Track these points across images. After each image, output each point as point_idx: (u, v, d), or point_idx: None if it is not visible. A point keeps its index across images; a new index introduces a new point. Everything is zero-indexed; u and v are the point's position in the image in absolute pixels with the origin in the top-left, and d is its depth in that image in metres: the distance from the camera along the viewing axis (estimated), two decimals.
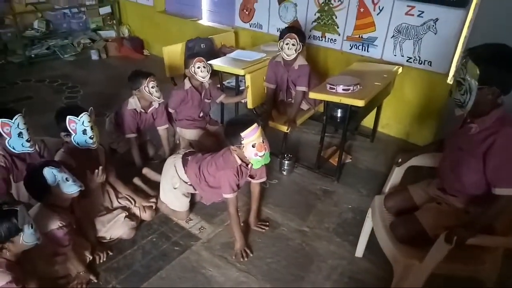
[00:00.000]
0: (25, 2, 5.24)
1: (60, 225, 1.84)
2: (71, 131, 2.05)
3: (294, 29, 2.97)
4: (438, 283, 1.73)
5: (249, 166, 2.18)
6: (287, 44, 2.85)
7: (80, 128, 2.05)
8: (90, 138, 2.09)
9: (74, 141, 2.08)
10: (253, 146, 1.99)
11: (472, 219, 1.52)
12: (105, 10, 5.72)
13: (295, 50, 2.87)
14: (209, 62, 3.02)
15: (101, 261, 2.13)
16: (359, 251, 2.24)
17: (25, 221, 1.56)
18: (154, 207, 2.48)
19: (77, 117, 2.04)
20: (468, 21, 2.89)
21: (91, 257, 2.10)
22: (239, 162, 2.13)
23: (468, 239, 1.43)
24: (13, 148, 2.00)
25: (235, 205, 2.19)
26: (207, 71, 2.87)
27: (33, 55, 5.20)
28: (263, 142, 2.02)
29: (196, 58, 2.82)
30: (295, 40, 2.85)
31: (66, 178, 1.84)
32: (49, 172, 1.79)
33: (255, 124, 2.00)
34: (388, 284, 1.81)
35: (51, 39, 5.40)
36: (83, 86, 4.49)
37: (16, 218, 1.53)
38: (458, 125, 1.67)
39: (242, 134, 1.98)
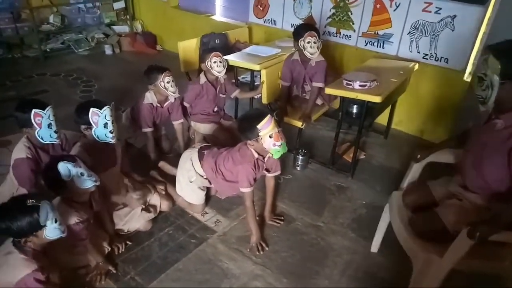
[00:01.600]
0: None
1: (77, 221, 1.85)
2: (93, 123, 2.06)
3: (312, 26, 2.96)
4: (456, 281, 1.72)
5: (266, 159, 2.20)
6: (308, 42, 2.84)
7: (102, 121, 2.07)
8: (110, 132, 2.11)
9: (94, 134, 2.10)
10: (270, 137, 2.02)
11: (495, 215, 1.51)
12: (119, 5, 5.75)
13: (317, 48, 2.86)
14: (224, 57, 3.03)
15: (120, 252, 2.17)
16: (375, 246, 2.24)
17: (48, 217, 1.57)
18: (164, 193, 2.51)
19: (100, 109, 2.06)
20: (486, 18, 2.86)
21: (109, 248, 2.13)
22: (256, 156, 2.15)
23: (492, 235, 1.42)
24: (42, 138, 2.06)
25: (251, 199, 2.20)
26: (223, 66, 2.88)
27: (48, 49, 5.27)
28: (278, 132, 2.05)
29: (213, 53, 2.84)
30: (315, 38, 2.84)
31: (81, 173, 1.84)
32: (63, 167, 1.79)
33: (269, 116, 2.03)
34: (404, 279, 1.81)
35: (66, 34, 5.46)
36: (97, 81, 4.54)
37: (39, 214, 1.54)
38: (481, 121, 1.66)
39: (259, 127, 2.01)
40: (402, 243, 1.79)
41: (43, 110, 2.04)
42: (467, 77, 3.10)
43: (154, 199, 2.45)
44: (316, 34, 2.84)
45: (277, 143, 2.04)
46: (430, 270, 1.61)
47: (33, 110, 2.01)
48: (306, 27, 2.93)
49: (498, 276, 1.71)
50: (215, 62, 2.83)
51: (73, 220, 1.83)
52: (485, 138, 1.62)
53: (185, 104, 3.04)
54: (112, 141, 2.14)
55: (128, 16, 5.84)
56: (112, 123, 2.11)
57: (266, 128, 2.01)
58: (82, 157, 2.07)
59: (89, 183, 1.86)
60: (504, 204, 1.54)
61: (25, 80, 4.46)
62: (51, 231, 1.60)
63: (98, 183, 1.90)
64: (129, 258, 2.15)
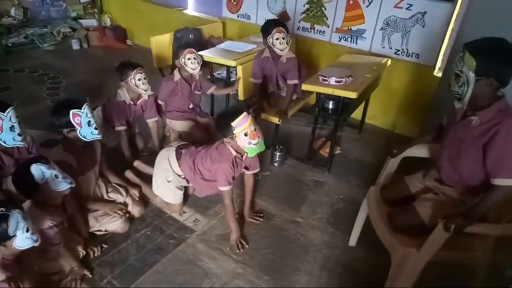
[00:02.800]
0: None
1: (51, 224, 1.77)
2: (76, 125, 1.95)
3: (279, 22, 2.93)
4: (432, 272, 1.78)
5: (244, 157, 2.18)
6: (277, 39, 2.81)
7: (85, 120, 1.96)
8: (95, 129, 2.00)
9: (81, 135, 1.98)
10: (245, 135, 2.00)
11: (470, 208, 1.56)
12: None
13: (287, 43, 2.85)
14: (199, 53, 2.97)
15: (95, 255, 2.10)
16: (353, 240, 2.28)
17: (18, 227, 1.47)
18: (137, 198, 2.43)
19: (81, 109, 1.95)
20: (455, 14, 2.95)
21: (84, 252, 2.06)
22: (234, 153, 2.12)
23: (466, 227, 1.47)
24: (4, 142, 1.92)
25: (230, 197, 2.18)
26: (198, 63, 2.83)
27: (10, 44, 5.00)
28: (255, 130, 2.03)
29: (187, 50, 2.77)
30: (284, 34, 2.82)
31: (56, 175, 1.76)
32: (37, 169, 1.71)
33: (245, 113, 2.01)
34: (382, 271, 1.84)
35: (29, 28, 5.19)
36: (65, 77, 4.35)
37: (8, 224, 1.44)
38: (457, 118, 1.70)
39: (233, 124, 1.98)
40: (381, 237, 1.82)
41: (3, 112, 1.88)
42: (437, 72, 3.20)
43: (129, 205, 2.38)
44: (284, 30, 2.82)
45: (252, 141, 2.01)
46: (408, 263, 1.66)
47: None
48: (274, 23, 2.89)
49: (470, 266, 1.77)
50: (189, 58, 2.78)
51: (46, 224, 1.75)
52: (461, 135, 1.66)
53: (160, 102, 2.97)
54: (99, 137, 2.05)
55: (96, 10, 5.63)
56: (94, 119, 2.01)
57: (241, 125, 1.99)
58: (68, 160, 1.99)
59: (64, 185, 1.78)
60: (478, 198, 1.60)
61: None
62: (22, 240, 1.50)
63: (73, 185, 1.82)
64: (106, 261, 2.08)
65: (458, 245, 1.65)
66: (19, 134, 1.94)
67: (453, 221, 1.47)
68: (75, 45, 5.26)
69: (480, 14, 2.55)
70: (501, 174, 1.51)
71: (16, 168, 1.87)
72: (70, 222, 2.04)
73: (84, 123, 1.97)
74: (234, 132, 2.00)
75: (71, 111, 1.92)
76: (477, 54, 1.48)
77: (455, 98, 1.61)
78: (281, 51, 2.84)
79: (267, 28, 2.84)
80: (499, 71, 1.49)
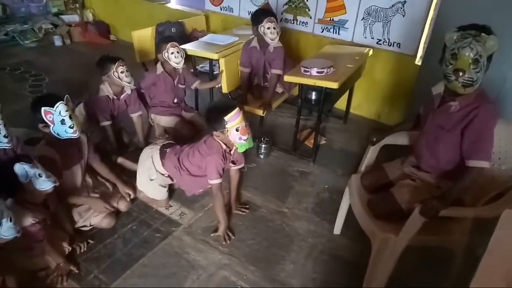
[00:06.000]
0: None
1: (33, 221, 1.77)
2: (48, 122, 1.94)
3: (270, 12, 2.96)
4: (412, 256, 1.83)
5: (232, 151, 2.20)
6: (268, 28, 2.83)
7: (57, 118, 1.94)
8: (70, 127, 1.99)
9: (54, 132, 1.98)
10: (237, 130, 2.02)
11: (444, 192, 1.61)
12: None
13: (277, 33, 2.87)
14: (182, 46, 2.96)
15: (81, 251, 2.10)
16: (337, 228, 2.32)
17: (3, 215, 1.50)
18: (129, 199, 2.42)
19: (53, 107, 1.93)
20: (434, 3, 2.99)
21: (70, 248, 2.06)
22: (224, 147, 2.15)
23: (441, 210, 1.51)
24: None
25: (221, 190, 2.20)
26: (181, 56, 2.82)
27: None
28: (245, 126, 2.05)
29: (170, 43, 2.76)
30: (275, 23, 2.84)
31: (39, 174, 1.75)
32: (20, 168, 1.70)
33: (237, 108, 2.03)
34: (366, 258, 1.89)
35: (9, 24, 5.10)
36: (48, 74, 4.30)
37: None
38: (435, 105, 1.74)
39: (226, 118, 2.00)
40: (361, 224, 1.87)
41: None
42: (418, 61, 3.24)
43: (112, 200, 2.37)
44: (274, 20, 2.84)
45: (243, 137, 2.04)
46: (387, 249, 1.70)
47: None
48: (265, 12, 2.92)
49: (448, 249, 1.82)
50: (172, 52, 2.77)
51: (28, 221, 1.75)
52: (440, 121, 1.70)
53: (142, 90, 2.96)
54: (74, 135, 2.03)
55: (77, 5, 5.55)
56: (70, 117, 1.98)
57: (234, 120, 2.01)
58: (51, 155, 1.99)
59: (47, 184, 1.78)
60: (452, 182, 1.64)
61: None
62: (6, 230, 1.53)
63: (56, 184, 1.82)
64: (92, 256, 2.09)
65: (435, 229, 1.70)
66: (5, 136, 1.91)
67: (429, 205, 1.52)
68: (57, 42, 5.19)
69: (453, 2, 2.59)
70: (476, 156, 1.56)
71: None
72: (54, 219, 2.05)
73: (57, 121, 1.95)
74: (226, 126, 2.02)
75: (42, 109, 1.91)
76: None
77: (463, 86, 1.53)
78: (272, 40, 2.87)
79: (258, 17, 2.86)
80: (491, 56, 1.51)
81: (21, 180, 1.72)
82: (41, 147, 2.03)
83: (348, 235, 2.30)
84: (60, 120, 1.96)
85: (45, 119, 1.93)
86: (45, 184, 1.78)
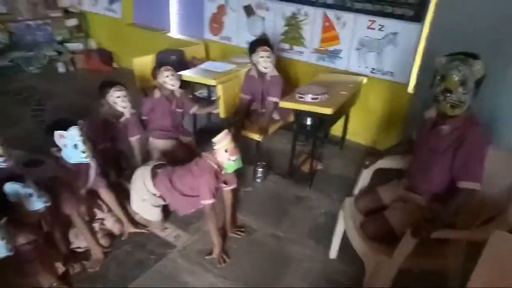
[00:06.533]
0: None
1: (23, 242, 1.78)
2: (61, 146, 1.98)
3: (264, 41, 3.07)
4: (407, 281, 1.83)
5: (223, 171, 2.24)
6: (262, 57, 2.94)
7: (70, 142, 1.97)
8: (83, 152, 2.01)
9: (65, 156, 2.00)
10: (225, 151, 2.08)
11: (435, 214, 1.63)
12: (72, 22, 5.63)
13: (271, 62, 2.97)
14: (180, 72, 3.06)
15: (75, 271, 2.10)
16: (333, 252, 2.32)
17: None
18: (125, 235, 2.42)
19: (66, 131, 1.97)
20: (424, 34, 3.11)
21: (64, 268, 2.05)
22: (215, 166, 2.19)
23: (433, 232, 1.53)
24: None
25: (214, 211, 2.23)
26: (176, 79, 2.90)
27: None
28: (234, 148, 2.11)
29: (163, 67, 2.86)
30: (269, 52, 2.95)
31: (30, 194, 1.77)
32: (10, 188, 1.73)
33: (226, 130, 2.11)
34: (361, 282, 1.89)
35: (14, 51, 5.23)
36: (50, 99, 4.38)
37: None
38: (425, 128, 1.80)
39: (215, 140, 2.07)
40: (355, 246, 1.87)
41: None
42: (411, 89, 3.33)
43: (109, 221, 2.39)
44: (269, 49, 2.94)
45: (231, 158, 2.11)
46: (381, 271, 1.71)
47: None
48: (259, 42, 3.04)
49: (443, 273, 1.82)
50: (167, 76, 2.85)
51: (19, 241, 1.76)
52: (432, 144, 1.76)
53: (144, 117, 3.03)
54: (87, 160, 2.06)
55: (82, 34, 5.73)
56: (83, 143, 2.01)
57: (222, 142, 2.09)
58: (64, 176, 2.02)
59: (38, 204, 1.80)
60: (442, 204, 1.67)
61: None
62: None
63: (48, 204, 1.84)
64: (85, 277, 2.09)
65: (429, 252, 1.72)
66: (1, 155, 1.96)
67: (420, 227, 1.54)
68: (61, 68, 5.32)
69: (442, 33, 2.71)
70: (466, 177, 1.61)
71: None
72: (49, 238, 2.05)
73: (70, 145, 1.98)
74: (214, 148, 2.08)
75: (55, 132, 1.95)
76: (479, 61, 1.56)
77: (451, 107, 1.62)
78: (265, 68, 2.97)
79: (253, 46, 2.98)
80: (480, 84, 1.59)
81: (11, 199, 1.74)
82: (53, 166, 2.07)
83: (344, 259, 2.29)
84: (73, 144, 1.98)
85: (57, 142, 1.96)
86: (35, 204, 1.80)
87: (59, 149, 2.00)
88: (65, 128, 1.97)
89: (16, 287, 1.85)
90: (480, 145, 1.64)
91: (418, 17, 3.08)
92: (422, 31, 3.10)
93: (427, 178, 1.79)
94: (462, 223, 1.75)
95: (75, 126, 1.99)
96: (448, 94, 1.59)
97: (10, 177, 1.77)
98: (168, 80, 2.85)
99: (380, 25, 3.28)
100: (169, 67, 2.88)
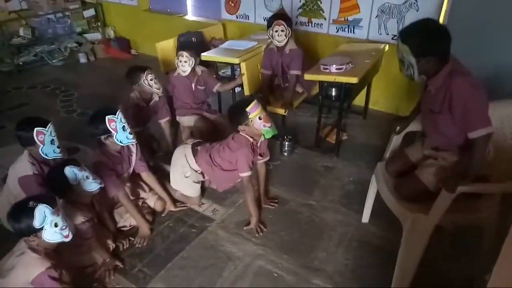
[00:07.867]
0: (7, 10, 5.20)
1: (83, 220, 1.92)
2: (112, 130, 2.08)
3: (279, 15, 3.08)
4: (442, 237, 1.88)
5: (259, 144, 2.32)
6: (276, 31, 2.97)
7: (119, 125, 2.10)
8: (130, 133, 2.15)
9: (117, 140, 2.12)
10: (260, 119, 2.17)
11: (463, 167, 1.67)
12: (89, 13, 5.73)
13: (285, 36, 2.99)
14: (203, 54, 3.12)
15: (124, 248, 2.24)
16: (365, 216, 2.39)
17: (45, 221, 1.58)
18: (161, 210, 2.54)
19: (115, 115, 2.09)
20: None
21: (114, 245, 2.20)
22: (251, 139, 2.27)
23: (463, 185, 1.56)
24: (46, 155, 2.04)
25: (251, 182, 2.32)
26: (188, 65, 2.95)
27: (21, 63, 5.19)
28: (267, 115, 2.20)
29: (179, 53, 2.95)
30: (283, 26, 2.97)
31: (87, 176, 1.92)
32: (70, 171, 1.87)
33: (255, 100, 2.19)
34: (395, 244, 1.95)
35: (38, 46, 5.38)
36: (76, 89, 4.52)
37: (33, 216, 1.55)
38: (421, 88, 1.88)
39: (248, 109, 2.15)
40: (391, 207, 1.93)
41: (45, 127, 2.03)
42: None
43: (151, 200, 2.52)
44: (283, 23, 2.96)
45: (267, 124, 2.18)
46: (418, 228, 1.76)
47: (35, 129, 2.00)
48: (275, 16, 3.06)
49: (479, 227, 1.87)
50: (180, 61, 2.94)
51: (79, 219, 1.90)
52: (429, 105, 1.82)
53: (171, 94, 3.13)
54: (134, 141, 2.20)
55: (99, 23, 5.82)
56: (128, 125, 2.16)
57: (255, 110, 2.16)
58: (106, 161, 2.15)
59: (94, 185, 1.94)
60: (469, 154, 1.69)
61: (1, 95, 4.39)
62: (50, 234, 1.61)
63: (102, 185, 1.97)
64: (134, 252, 2.23)
65: (463, 207, 1.75)
66: (58, 147, 2.09)
67: (450, 182, 1.57)
68: (82, 59, 5.44)
69: None
70: (472, 128, 1.63)
71: (49, 170, 2.02)
72: (99, 219, 2.19)
73: (119, 128, 2.10)
74: (249, 117, 2.16)
75: (106, 117, 2.06)
76: (408, 40, 1.66)
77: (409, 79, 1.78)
78: (279, 42, 3.00)
79: (269, 21, 3.02)
80: (431, 49, 1.65)
81: (71, 182, 1.88)
82: (96, 154, 2.20)
83: (376, 222, 2.37)
84: (121, 126, 2.11)
85: (109, 127, 2.07)
86: (92, 186, 1.94)
87: (108, 136, 2.11)
88: (113, 112, 2.09)
89: (75, 264, 1.99)
90: (470, 93, 1.62)
91: None
92: None
93: (441, 135, 1.82)
94: (496, 176, 1.77)
95: (120, 110, 2.13)
96: (401, 72, 1.78)
97: (65, 162, 1.90)
98: (180, 65, 2.95)
99: None
100: (183, 52, 2.94)
